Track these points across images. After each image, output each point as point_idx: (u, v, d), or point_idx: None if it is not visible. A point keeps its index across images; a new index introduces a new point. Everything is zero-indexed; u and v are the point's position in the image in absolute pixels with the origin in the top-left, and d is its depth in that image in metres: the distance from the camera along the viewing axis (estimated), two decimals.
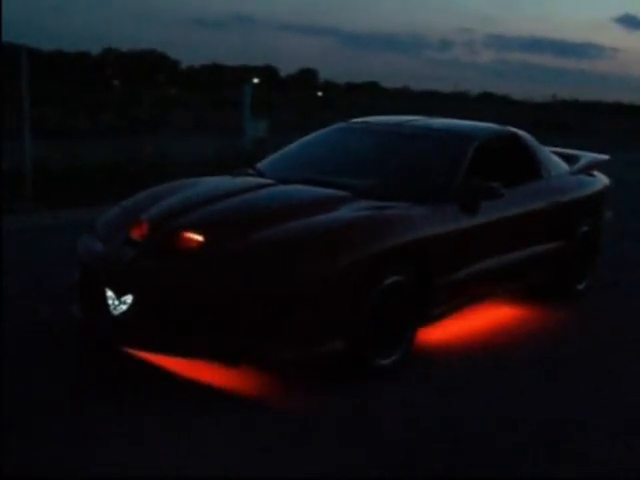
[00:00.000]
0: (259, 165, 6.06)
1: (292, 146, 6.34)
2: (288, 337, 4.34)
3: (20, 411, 4.02)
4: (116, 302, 4.53)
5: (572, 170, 6.85)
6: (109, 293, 4.58)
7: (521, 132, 6.45)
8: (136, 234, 4.78)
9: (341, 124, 6.50)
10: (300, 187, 5.31)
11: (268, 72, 39.04)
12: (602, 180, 7.13)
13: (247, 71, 37.89)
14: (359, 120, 6.57)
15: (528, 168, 6.30)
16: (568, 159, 7.12)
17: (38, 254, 7.26)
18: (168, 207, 4.99)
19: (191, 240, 4.57)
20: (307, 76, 38.81)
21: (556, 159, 6.74)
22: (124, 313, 4.49)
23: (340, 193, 5.15)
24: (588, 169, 7.11)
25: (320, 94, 39.75)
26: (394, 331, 4.81)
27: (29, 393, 4.27)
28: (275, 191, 5.27)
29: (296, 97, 32.61)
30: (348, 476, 3.61)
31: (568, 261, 6.49)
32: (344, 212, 4.88)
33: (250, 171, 5.95)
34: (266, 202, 5.06)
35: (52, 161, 11.28)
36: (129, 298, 4.48)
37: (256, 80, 38.30)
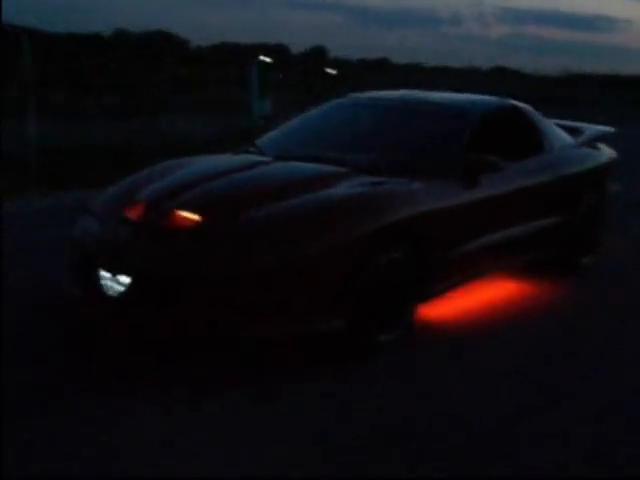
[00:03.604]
0: (258, 142, 6.00)
1: (291, 122, 6.28)
2: (284, 316, 4.29)
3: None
4: (111, 283, 4.50)
5: (576, 143, 6.76)
6: (104, 274, 4.55)
7: (523, 105, 6.37)
8: (132, 214, 4.74)
9: (340, 99, 6.43)
10: (297, 164, 5.25)
11: (279, 50, 38.77)
12: (607, 153, 7.04)
13: (257, 49, 37.62)
14: (358, 95, 6.49)
15: (530, 141, 6.22)
16: (573, 132, 7.03)
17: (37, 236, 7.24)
18: (164, 186, 4.94)
19: (186, 219, 4.53)
20: (318, 53, 38.62)
21: (560, 132, 6.65)
22: (118, 294, 4.46)
23: (337, 169, 5.10)
24: (593, 141, 7.02)
25: (333, 72, 39.47)
26: (392, 308, 4.76)
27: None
28: (272, 168, 5.22)
29: (306, 74, 32.39)
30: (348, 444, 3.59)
31: (572, 235, 6.42)
32: (341, 189, 4.82)
33: (249, 148, 5.90)
34: (262, 180, 5.01)
35: (57, 142, 11.26)
36: (124, 279, 4.45)
37: (267, 59, 37.89)
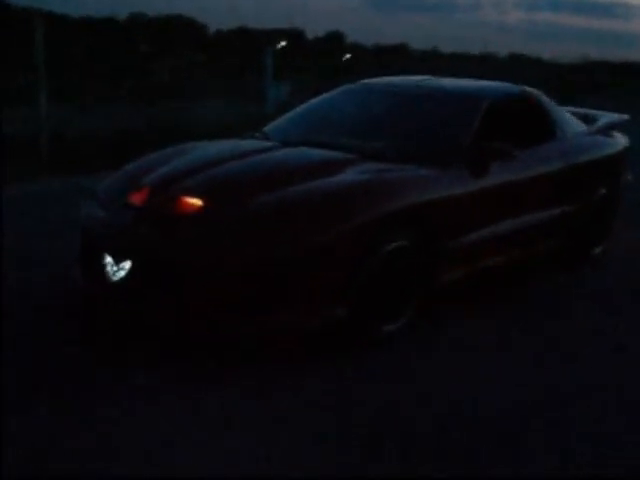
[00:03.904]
0: (266, 128, 5.95)
1: (300, 108, 6.22)
2: (287, 305, 4.23)
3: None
4: (114, 268, 4.47)
5: (589, 130, 6.66)
6: (108, 259, 4.52)
7: (535, 91, 6.27)
8: (136, 199, 4.70)
9: (350, 85, 6.36)
10: (304, 150, 5.20)
11: (295, 35, 38.69)
12: (621, 141, 6.93)
13: (274, 35, 37.60)
14: (368, 81, 6.42)
15: (542, 128, 6.12)
16: (586, 119, 6.93)
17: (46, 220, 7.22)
18: (168, 171, 4.90)
19: (190, 205, 4.48)
20: (334, 39, 38.46)
21: (573, 119, 6.55)
22: (122, 279, 4.43)
23: (345, 156, 5.04)
24: (607, 129, 6.91)
25: (348, 56, 39.32)
26: (399, 297, 4.71)
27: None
28: (278, 154, 5.16)
29: (322, 60, 32.32)
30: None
31: (584, 225, 6.34)
32: (348, 175, 4.76)
33: (256, 134, 5.85)
34: (268, 166, 4.95)
35: (70, 127, 11.25)
36: (127, 264, 4.42)
37: (283, 43, 37.95)
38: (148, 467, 3.27)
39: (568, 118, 6.46)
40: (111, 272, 4.48)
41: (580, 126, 6.58)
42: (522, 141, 5.71)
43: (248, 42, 36.05)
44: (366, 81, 6.42)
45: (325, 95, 6.28)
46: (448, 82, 6.25)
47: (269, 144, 5.38)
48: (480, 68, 27.85)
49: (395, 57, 35.18)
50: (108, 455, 3.34)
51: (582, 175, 6.23)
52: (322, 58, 35.00)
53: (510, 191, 5.49)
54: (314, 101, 6.25)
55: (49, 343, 4.42)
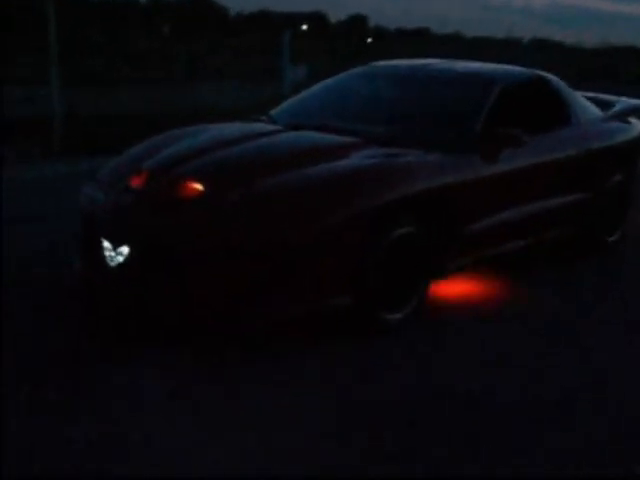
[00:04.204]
0: (272, 111, 5.83)
1: (308, 91, 6.10)
2: (291, 292, 4.13)
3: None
4: (112, 254, 4.39)
5: (606, 116, 6.49)
6: (106, 244, 4.44)
7: (550, 75, 6.11)
8: (136, 183, 4.60)
9: (358, 68, 6.23)
10: (309, 134, 5.08)
11: (317, 19, 38.46)
12: (638, 127, 6.75)
13: (296, 18, 37.43)
14: (378, 64, 6.28)
15: (556, 114, 5.97)
16: (603, 105, 6.76)
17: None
18: (169, 155, 4.79)
19: (190, 189, 4.38)
20: (357, 22, 38.19)
21: (589, 105, 6.38)
22: (120, 265, 4.34)
23: (351, 140, 4.92)
24: (624, 115, 6.73)
25: (369, 40, 39.11)
26: (405, 285, 4.60)
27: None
28: (282, 138, 5.04)
29: (344, 43, 32.13)
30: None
31: (599, 212, 6.18)
32: (353, 160, 4.65)
33: (262, 117, 5.74)
34: (271, 149, 4.83)
35: (86, 110, 11.20)
36: (125, 249, 4.33)
37: (304, 27, 37.82)
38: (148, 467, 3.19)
39: (584, 103, 6.30)
40: (109, 258, 4.40)
41: (596, 111, 6.41)
42: (535, 126, 5.57)
43: (269, 25, 35.90)
44: (375, 64, 6.29)
45: (333, 78, 6.15)
46: (461, 65, 6.09)
47: (273, 127, 5.27)
48: (503, 52, 27.58)
49: (418, 40, 34.92)
50: (116, 455, 3.24)
51: (597, 161, 6.07)
52: (344, 41, 34.79)
53: (521, 177, 5.36)
54: (322, 84, 6.13)
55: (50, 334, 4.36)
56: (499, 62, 6.47)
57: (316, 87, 6.10)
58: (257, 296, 4.10)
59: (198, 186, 4.37)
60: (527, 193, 5.44)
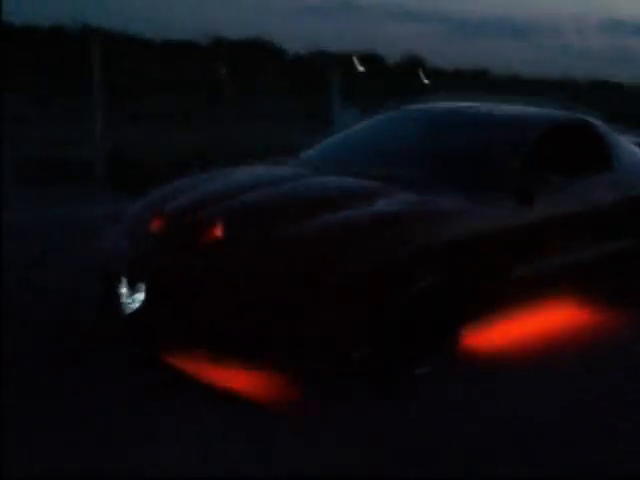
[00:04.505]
0: (303, 154, 5.72)
1: (340, 134, 5.97)
2: (307, 345, 3.98)
3: None
4: (130, 299, 4.29)
5: None
6: (124, 290, 4.34)
7: (592, 119, 5.89)
8: (155, 227, 4.51)
9: (395, 111, 6.09)
10: (335, 179, 4.93)
11: (373, 60, 38.45)
12: None
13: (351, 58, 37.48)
14: (410, 107, 6.12)
15: (596, 158, 5.74)
16: None
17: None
18: (191, 199, 4.69)
19: (209, 234, 4.28)
20: (413, 63, 38.14)
21: (634, 148, 6.15)
22: (137, 310, 4.24)
23: (377, 185, 4.75)
24: None
25: (426, 82, 39.00)
26: (432, 337, 4.40)
27: None
28: (307, 183, 4.90)
29: (401, 84, 32.05)
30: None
31: None
32: (379, 206, 4.48)
33: (292, 161, 5.62)
34: (294, 195, 4.69)
35: (132, 147, 11.26)
36: (142, 295, 4.23)
37: (361, 68, 37.88)
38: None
39: (627, 147, 6.06)
40: (126, 303, 4.30)
41: None
42: (575, 171, 5.37)
43: (326, 66, 35.99)
44: (409, 107, 6.13)
45: (367, 121, 6.03)
46: (500, 109, 5.90)
47: (300, 171, 5.13)
48: (560, 94, 27.29)
49: (476, 82, 34.68)
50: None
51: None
52: (401, 83, 34.73)
53: (557, 225, 5.14)
54: (355, 127, 6.00)
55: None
56: (557, 103, 6.28)
57: (349, 130, 5.97)
58: (267, 345, 3.97)
59: (217, 231, 4.26)
60: (565, 241, 5.22)
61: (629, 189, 5.76)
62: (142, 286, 4.23)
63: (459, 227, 4.51)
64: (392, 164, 5.18)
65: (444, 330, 4.47)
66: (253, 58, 37.70)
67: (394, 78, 35.38)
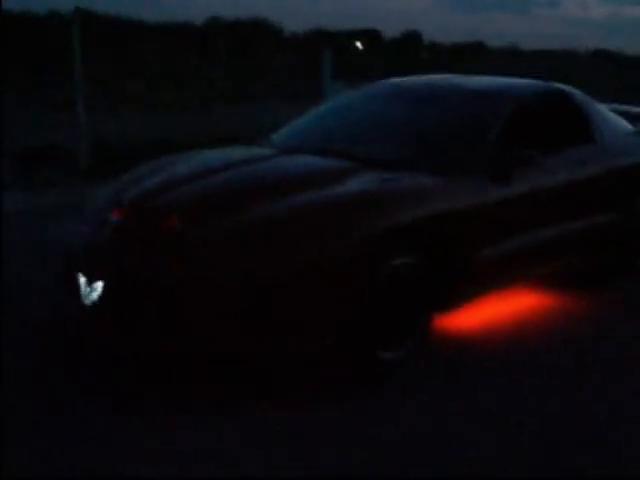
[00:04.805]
0: (275, 134, 5.54)
1: (315, 111, 5.77)
2: (273, 331, 3.80)
3: None
4: (88, 290, 4.13)
5: (636, 131, 6.04)
6: (82, 280, 4.19)
7: (571, 89, 5.69)
8: (114, 216, 4.35)
9: (371, 85, 5.88)
10: (304, 158, 4.76)
11: (371, 35, 38.04)
12: None
13: (350, 35, 37.16)
14: (388, 81, 5.91)
15: (578, 131, 5.55)
16: (638, 119, 6.31)
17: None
18: (151, 185, 4.52)
19: (167, 221, 4.11)
20: (411, 38, 37.72)
21: (617, 120, 5.95)
22: (94, 302, 4.08)
23: (347, 164, 4.59)
24: None
25: (425, 56, 38.70)
26: (403, 320, 4.24)
27: None
28: (274, 163, 4.74)
29: (398, 60, 31.74)
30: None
31: (627, 235, 5.73)
32: (348, 186, 4.31)
33: (263, 141, 5.44)
34: (260, 176, 4.53)
35: (118, 135, 11.09)
36: (99, 286, 4.07)
37: (359, 44, 37.65)
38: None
39: (611, 119, 5.86)
40: (84, 294, 4.15)
41: (626, 127, 5.98)
42: (554, 145, 5.19)
43: (324, 43, 35.65)
44: (386, 81, 5.93)
45: (342, 97, 5.84)
46: (473, 80, 5.71)
47: (267, 152, 4.97)
48: (562, 65, 26.96)
49: (473, 55, 34.31)
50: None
51: (623, 181, 5.64)
52: (399, 57, 34.38)
53: (536, 200, 4.96)
54: (328, 104, 5.83)
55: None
56: (557, 75, 6.06)
57: (323, 107, 5.78)
58: (234, 336, 3.79)
59: (174, 218, 4.10)
60: (544, 217, 5.04)
61: (611, 162, 5.57)
62: (100, 277, 4.08)
63: (429, 206, 4.34)
64: (364, 141, 5.02)
65: (415, 314, 4.31)
66: (250, 38, 37.36)
67: (393, 54, 35.05)
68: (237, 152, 5.08)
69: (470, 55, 32.76)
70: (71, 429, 3.52)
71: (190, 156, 5.06)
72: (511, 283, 5.00)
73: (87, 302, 4.11)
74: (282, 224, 4.00)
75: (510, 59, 31.23)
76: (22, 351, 4.37)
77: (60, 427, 3.53)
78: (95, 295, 4.07)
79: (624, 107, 6.67)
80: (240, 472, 3.22)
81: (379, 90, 5.78)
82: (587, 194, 5.40)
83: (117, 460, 3.27)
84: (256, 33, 39.44)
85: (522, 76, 5.90)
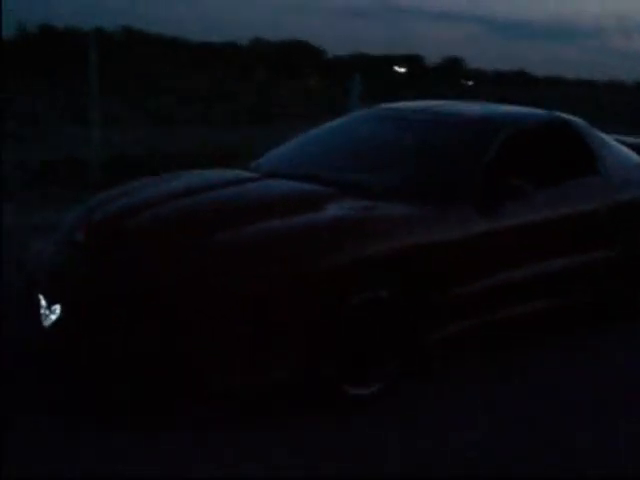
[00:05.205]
0: (262, 158, 5.39)
1: (303, 136, 5.61)
2: (230, 363, 3.63)
3: None
4: (47, 312, 4.00)
5: None
6: (42, 302, 4.05)
7: (573, 119, 5.45)
8: (79, 237, 4.23)
9: (364, 110, 5.74)
10: (282, 183, 4.61)
11: (414, 61, 38.11)
12: None
13: (393, 60, 37.27)
14: (384, 106, 5.73)
15: (580, 162, 5.31)
16: None
17: None
18: (120, 206, 4.39)
19: (131, 243, 3.98)
20: (453, 65, 37.63)
21: (623, 151, 5.70)
22: (53, 324, 3.94)
23: (327, 190, 4.41)
24: None
25: (470, 83, 38.69)
26: (374, 356, 4.03)
27: None
28: (251, 187, 4.59)
29: (440, 86, 31.64)
30: None
31: (628, 273, 5.45)
32: (325, 213, 4.15)
33: (251, 165, 5.29)
34: (234, 200, 4.40)
35: (135, 149, 11.07)
36: (58, 308, 3.93)
37: (402, 69, 37.80)
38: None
39: (617, 150, 5.61)
40: (44, 316, 4.01)
41: (633, 159, 5.72)
42: (552, 176, 4.98)
43: (367, 67, 35.73)
44: (382, 106, 5.75)
45: (336, 121, 5.67)
46: (470, 107, 5.52)
47: (247, 175, 4.81)
48: (605, 96, 26.62)
49: (516, 84, 34.13)
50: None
51: (626, 215, 5.38)
52: (441, 84, 34.32)
53: (527, 234, 4.73)
54: (322, 128, 5.64)
55: None
56: (599, 107, 5.82)
57: (312, 131, 5.61)
58: (185, 369, 3.64)
59: (138, 240, 3.98)
60: (534, 252, 4.79)
61: (614, 195, 5.33)
62: (58, 298, 3.94)
63: (406, 237, 4.14)
64: (349, 168, 4.85)
65: (393, 345, 4.10)
66: (292, 59, 37.62)
67: (434, 79, 34.99)
68: (217, 175, 4.94)
69: (511, 84, 32.63)
70: None
71: (170, 177, 4.94)
72: (497, 323, 4.73)
73: (46, 324, 3.97)
74: (245, 250, 3.84)
75: (551, 87, 31.00)
76: None
77: None
78: (54, 317, 3.93)
79: (631, 139, 6.37)
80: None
81: (370, 115, 5.61)
82: (586, 227, 5.15)
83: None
84: (297, 54, 39.78)
85: (561, 105, 5.67)
